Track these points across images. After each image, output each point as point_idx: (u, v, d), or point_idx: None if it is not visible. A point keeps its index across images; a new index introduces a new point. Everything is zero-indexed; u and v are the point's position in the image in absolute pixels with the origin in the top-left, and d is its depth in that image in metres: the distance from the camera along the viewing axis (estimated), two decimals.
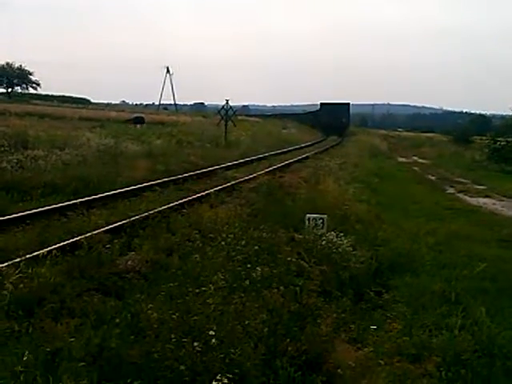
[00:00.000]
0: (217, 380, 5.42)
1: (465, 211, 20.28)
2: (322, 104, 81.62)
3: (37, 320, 7.08)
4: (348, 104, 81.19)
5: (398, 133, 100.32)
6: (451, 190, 27.19)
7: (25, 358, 5.61)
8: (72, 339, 6.19)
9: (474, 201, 23.72)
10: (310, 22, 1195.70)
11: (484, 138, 56.61)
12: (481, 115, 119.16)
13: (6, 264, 8.66)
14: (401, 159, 46.90)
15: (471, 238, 14.70)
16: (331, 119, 72.41)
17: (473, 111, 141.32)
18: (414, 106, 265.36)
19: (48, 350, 5.95)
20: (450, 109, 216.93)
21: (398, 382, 6.53)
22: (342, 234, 11.60)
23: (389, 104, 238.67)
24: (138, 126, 46.48)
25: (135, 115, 55.22)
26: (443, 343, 7.51)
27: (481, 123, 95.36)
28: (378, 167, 32.71)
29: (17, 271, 8.29)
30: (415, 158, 49.12)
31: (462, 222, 17.09)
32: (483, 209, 21.53)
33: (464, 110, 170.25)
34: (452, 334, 7.78)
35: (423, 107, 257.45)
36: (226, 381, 5.41)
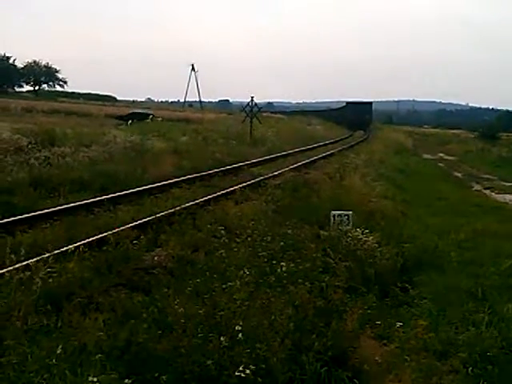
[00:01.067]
0: (239, 371, 5.48)
1: (491, 208, 20.14)
2: (347, 103, 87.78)
3: (65, 314, 7.16)
4: (371, 103, 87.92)
5: (423, 129, 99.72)
6: (477, 187, 27.04)
7: (57, 351, 5.70)
8: (100, 333, 6.26)
9: (500, 197, 23.57)
10: (335, 19, 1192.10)
11: (511, 134, 56.12)
12: (508, 111, 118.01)
13: (35, 259, 8.75)
14: (426, 156, 46.64)
15: (498, 235, 14.59)
16: (356, 116, 77.35)
17: (500, 108, 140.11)
18: (440, 103, 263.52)
19: (76, 343, 6.04)
20: (476, 105, 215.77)
21: (424, 379, 6.53)
22: (367, 231, 11.58)
23: (414, 100, 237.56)
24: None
25: (132, 111, 52.07)
26: (469, 340, 7.48)
27: (508, 120, 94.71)
28: (403, 164, 32.56)
29: (45, 266, 8.39)
30: (441, 154, 48.82)
31: (488, 219, 16.96)
32: (510, 205, 21.38)
33: (491, 107, 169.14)
34: (478, 331, 7.75)
35: (449, 104, 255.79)
36: (248, 371, 5.47)
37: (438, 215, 17.26)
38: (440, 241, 12.96)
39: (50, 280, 8.02)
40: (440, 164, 39.57)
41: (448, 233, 14.07)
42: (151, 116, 46.19)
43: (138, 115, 48.33)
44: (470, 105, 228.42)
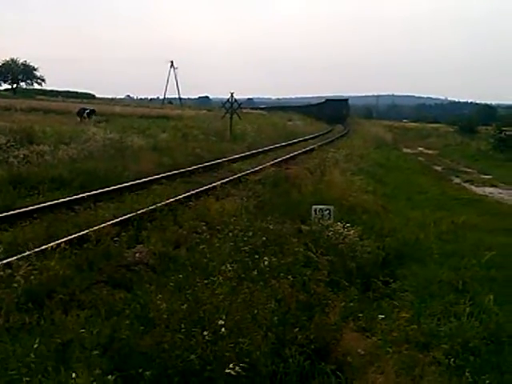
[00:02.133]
0: (229, 369, 5.48)
1: (471, 201, 20.31)
2: (326, 100, 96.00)
3: (47, 312, 7.13)
4: (347, 99, 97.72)
5: (403, 124, 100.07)
6: (457, 180, 27.23)
7: (35, 348, 5.67)
8: (82, 330, 6.23)
9: (479, 190, 23.76)
10: (314, 15, 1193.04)
11: (489, 127, 56.47)
12: (486, 105, 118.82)
13: (16, 258, 8.70)
14: (406, 150, 46.79)
15: (478, 228, 14.72)
16: (334, 111, 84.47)
17: (478, 101, 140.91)
18: (419, 97, 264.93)
19: (59, 341, 6.01)
20: (455, 99, 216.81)
21: (407, 370, 6.55)
22: (348, 225, 11.62)
23: (393, 95, 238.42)
24: (85, 117, 43.90)
25: (81, 107, 52.49)
26: (451, 331, 7.55)
27: (486, 113, 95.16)
28: (383, 158, 32.66)
29: (26, 264, 8.34)
30: (421, 148, 49.03)
31: (468, 212, 17.08)
32: (489, 198, 21.57)
33: (469, 101, 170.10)
34: (460, 322, 7.82)
35: (428, 98, 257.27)
36: (238, 369, 5.48)
37: (418, 209, 17.33)
38: (421, 234, 13.02)
39: (31, 278, 7.97)
40: (420, 158, 39.73)
41: (429, 226, 14.15)
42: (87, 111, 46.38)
43: (84, 110, 48.47)
44: (449, 99, 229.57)
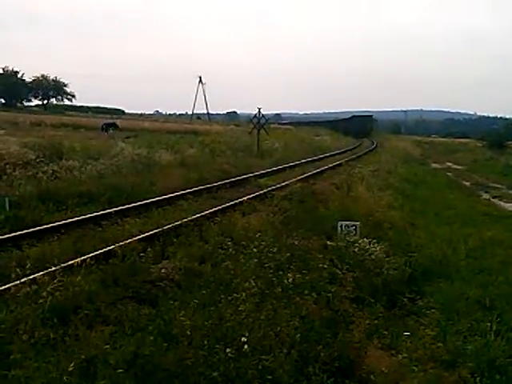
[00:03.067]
0: None
1: (500, 217, 20.05)
2: (353, 116, 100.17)
3: (72, 328, 7.16)
4: (371, 115, 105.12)
5: (431, 139, 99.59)
6: (486, 196, 26.92)
7: (63, 365, 5.71)
8: (107, 346, 6.26)
9: (509, 206, 23.48)
10: (342, 30, 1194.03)
11: None
12: None
13: (42, 273, 8.76)
14: (434, 165, 46.45)
15: (506, 244, 14.53)
16: (360, 127, 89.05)
17: (508, 116, 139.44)
18: (448, 112, 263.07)
19: (83, 357, 6.04)
20: (484, 114, 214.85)
21: None
22: (374, 241, 11.58)
23: (422, 110, 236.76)
24: (111, 131, 45.36)
25: (105, 121, 53.85)
26: (477, 349, 7.46)
27: None
28: (411, 173, 32.47)
29: (52, 280, 8.40)
30: (449, 163, 48.60)
31: (496, 228, 16.90)
32: None
33: (499, 116, 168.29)
34: (486, 340, 7.73)
35: (457, 113, 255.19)
36: None
37: (446, 224, 17.19)
38: (448, 250, 12.90)
39: (57, 293, 8.01)
40: (448, 173, 39.41)
41: (456, 242, 14.02)
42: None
43: (110, 124, 50.62)
44: (478, 114, 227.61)
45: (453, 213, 20.17)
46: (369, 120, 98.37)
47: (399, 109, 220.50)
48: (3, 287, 8.34)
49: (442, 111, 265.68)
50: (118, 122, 55.45)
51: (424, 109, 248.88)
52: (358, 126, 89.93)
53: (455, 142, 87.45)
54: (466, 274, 11.36)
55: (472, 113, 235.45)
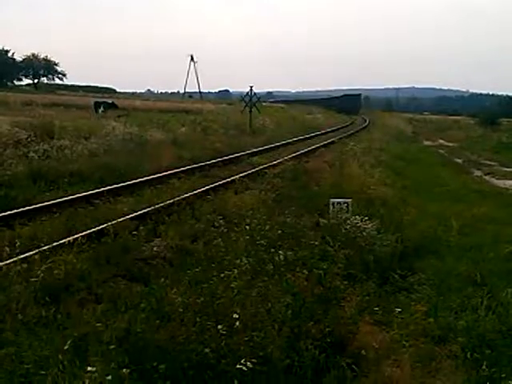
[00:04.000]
0: (241, 364, 5.47)
1: (491, 193, 20.08)
2: (344, 95, 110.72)
3: (64, 306, 7.19)
4: (360, 94, 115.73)
5: (423, 116, 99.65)
6: (478, 173, 26.98)
7: (55, 342, 5.73)
8: (99, 324, 6.27)
9: (500, 183, 23.54)
10: (335, 8, 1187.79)
11: (511, 119, 55.90)
12: (508, 97, 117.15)
13: (34, 252, 8.76)
14: (426, 142, 46.49)
15: (498, 221, 14.57)
16: (350, 105, 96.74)
17: (500, 93, 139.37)
18: (440, 89, 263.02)
19: (75, 334, 6.06)
20: (476, 91, 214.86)
21: (423, 364, 6.53)
22: (366, 218, 11.56)
23: (414, 87, 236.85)
24: (100, 111, 44.84)
25: (95, 101, 52.88)
26: (468, 324, 7.49)
27: (508, 105, 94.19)
28: (403, 151, 32.49)
29: (44, 259, 8.41)
30: (441, 141, 48.61)
31: (488, 205, 16.89)
32: (510, 191, 21.32)
33: (491, 93, 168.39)
34: (477, 316, 7.77)
35: (449, 90, 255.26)
36: (249, 364, 5.47)
37: (437, 201, 17.21)
38: (440, 227, 12.93)
39: (49, 272, 8.03)
40: (440, 150, 39.43)
41: (448, 219, 14.02)
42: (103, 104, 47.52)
43: (103, 104, 49.44)
44: (471, 91, 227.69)
45: (444, 190, 20.18)
46: (358, 98, 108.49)
47: (391, 86, 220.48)
48: None
49: (434, 88, 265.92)
50: (109, 100, 55.04)
51: (416, 86, 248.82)
52: (348, 103, 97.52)
53: (447, 119, 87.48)
54: (457, 251, 11.38)
55: (464, 90, 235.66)
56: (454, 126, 68.54)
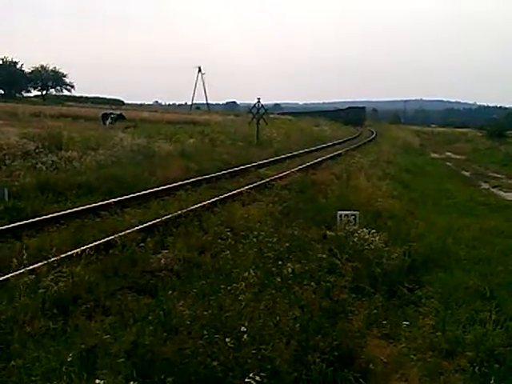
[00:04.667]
0: (249, 378, 5.45)
1: (499, 206, 20.02)
2: (348, 107, 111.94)
3: (72, 318, 7.19)
4: (364, 107, 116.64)
5: (431, 129, 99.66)
6: (485, 186, 26.90)
7: (63, 355, 5.73)
8: (106, 336, 6.27)
9: (508, 196, 23.46)
10: (341, 21, 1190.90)
11: None
12: None
13: (42, 264, 8.77)
14: (434, 155, 46.42)
15: (506, 234, 14.52)
16: (355, 117, 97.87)
17: (508, 106, 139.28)
18: (448, 101, 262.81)
19: (83, 347, 6.06)
20: (484, 104, 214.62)
21: (431, 378, 6.50)
22: (374, 231, 11.53)
23: (422, 100, 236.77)
24: (108, 122, 45.08)
25: (103, 112, 53.15)
26: (476, 338, 7.47)
27: None
28: (410, 163, 32.45)
29: (52, 270, 8.42)
30: (449, 153, 48.57)
31: (496, 218, 16.89)
32: None
33: (499, 105, 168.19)
34: (485, 330, 7.73)
35: (457, 102, 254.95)
36: (258, 378, 5.45)
37: (445, 214, 17.19)
38: (447, 240, 12.89)
39: (57, 284, 8.03)
40: (448, 163, 39.39)
41: (456, 232, 14.02)
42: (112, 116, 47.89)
43: (111, 115, 49.76)
44: (478, 103, 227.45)
45: (452, 202, 20.18)
46: (362, 111, 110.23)
47: (399, 99, 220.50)
48: (3, 278, 8.36)
49: (442, 101, 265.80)
50: (117, 111, 55.22)
51: (424, 98, 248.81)
52: (353, 116, 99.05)
53: (455, 131, 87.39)
54: (465, 264, 11.34)
55: (472, 102, 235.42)
56: (461, 139, 68.47)
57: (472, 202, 20.55)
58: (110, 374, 5.43)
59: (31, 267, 8.55)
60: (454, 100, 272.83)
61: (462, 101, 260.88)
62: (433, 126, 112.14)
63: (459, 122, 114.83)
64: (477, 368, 6.70)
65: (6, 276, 8.36)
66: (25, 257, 8.73)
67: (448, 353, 7.21)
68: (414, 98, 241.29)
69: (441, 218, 16.45)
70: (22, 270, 8.32)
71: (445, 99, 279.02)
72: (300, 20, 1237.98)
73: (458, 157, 45.30)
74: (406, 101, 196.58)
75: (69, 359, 5.69)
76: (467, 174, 32.56)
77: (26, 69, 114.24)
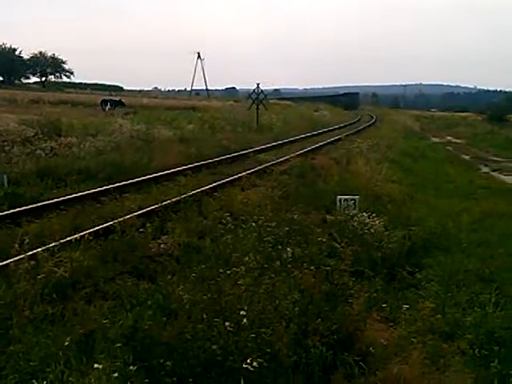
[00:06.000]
0: (247, 363, 5.44)
1: (499, 190, 20.04)
2: (344, 93, 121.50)
3: (71, 303, 7.18)
4: (358, 93, 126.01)
5: (431, 113, 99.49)
6: (485, 169, 26.89)
7: (62, 340, 5.72)
8: (105, 321, 6.27)
9: (508, 179, 23.45)
10: (342, 6, 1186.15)
11: None
12: None
13: (41, 249, 8.76)
14: (434, 139, 46.31)
15: (506, 217, 14.53)
16: (350, 101, 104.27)
17: (508, 89, 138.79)
18: (448, 86, 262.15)
19: (82, 331, 6.05)
20: (484, 87, 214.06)
21: (431, 360, 6.50)
22: (374, 215, 11.54)
23: (421, 84, 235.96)
24: (107, 109, 45.21)
25: (108, 98, 53.30)
26: (476, 321, 7.48)
27: None
28: (410, 148, 32.42)
29: (51, 256, 8.40)
30: (449, 137, 48.44)
31: (496, 201, 16.87)
32: None
33: (499, 89, 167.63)
34: (485, 312, 7.75)
35: (457, 86, 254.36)
36: (255, 364, 5.44)
37: (445, 198, 17.19)
38: (448, 223, 12.87)
39: (56, 269, 8.02)
40: (448, 147, 39.31)
41: (456, 215, 14.01)
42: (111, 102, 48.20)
43: (110, 102, 49.88)
44: (478, 87, 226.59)
45: (452, 186, 20.18)
46: (356, 96, 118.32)
47: (398, 83, 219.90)
48: (2, 263, 8.35)
49: (442, 85, 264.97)
50: (117, 98, 55.14)
51: (423, 83, 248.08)
52: (349, 100, 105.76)
53: (455, 115, 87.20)
54: (465, 247, 11.33)
55: (472, 86, 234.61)
56: (461, 123, 68.25)
57: (472, 186, 20.54)
58: (109, 359, 5.42)
59: (30, 253, 8.52)
60: (453, 84, 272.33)
61: (461, 85, 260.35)
62: (433, 110, 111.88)
63: (459, 107, 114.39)
64: (477, 350, 6.70)
65: (6, 262, 8.34)
66: (26, 242, 8.71)
67: (448, 335, 7.21)
68: (413, 83, 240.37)
69: (441, 201, 16.46)
70: (22, 256, 8.30)
71: (444, 83, 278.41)
72: (299, 5, 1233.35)
73: (458, 141, 45.20)
74: (405, 85, 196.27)
75: (67, 344, 5.68)
76: (467, 157, 32.52)
77: (25, 55, 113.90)
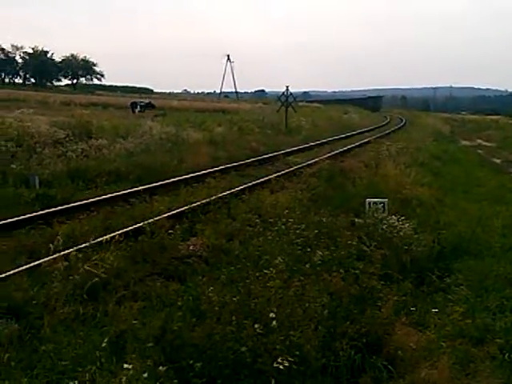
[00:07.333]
0: (278, 363, 5.47)
1: None
2: (369, 97, 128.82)
3: (101, 304, 7.26)
4: (381, 96, 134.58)
5: (461, 116, 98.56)
6: None
7: (93, 340, 5.80)
8: (135, 322, 6.33)
9: None
10: (371, 10, 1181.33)
11: None
12: None
13: (72, 250, 8.85)
14: (464, 142, 45.89)
15: None
16: (374, 104, 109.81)
17: None
18: (478, 89, 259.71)
19: (113, 332, 6.12)
20: None
21: (461, 365, 6.47)
22: (403, 218, 11.48)
23: (451, 87, 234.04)
24: (137, 111, 45.54)
25: (132, 100, 53.70)
26: (507, 326, 7.43)
27: None
28: (440, 151, 32.10)
29: (82, 257, 8.49)
30: (479, 140, 47.94)
31: None
32: None
33: None
34: None
35: (487, 89, 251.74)
36: (286, 363, 5.46)
37: (475, 202, 17.03)
38: (477, 228, 12.76)
39: (89, 268, 8.11)
40: (478, 150, 38.94)
41: (486, 220, 13.88)
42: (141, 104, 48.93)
43: (140, 104, 50.64)
44: (510, 90, 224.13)
45: (482, 190, 19.96)
46: (379, 99, 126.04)
47: (429, 86, 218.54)
48: (34, 263, 8.46)
49: (472, 88, 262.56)
50: (146, 100, 55.54)
51: (453, 86, 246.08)
52: (373, 103, 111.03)
53: (486, 118, 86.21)
54: (495, 252, 11.23)
55: (503, 89, 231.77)
56: (492, 126, 67.45)
57: (503, 190, 20.26)
58: (139, 359, 5.48)
59: (62, 253, 8.63)
60: (484, 87, 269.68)
61: (492, 88, 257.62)
62: (463, 113, 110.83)
63: (490, 109, 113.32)
64: (507, 355, 6.66)
65: (38, 262, 8.46)
66: (57, 243, 8.82)
67: (478, 340, 7.16)
68: (443, 85, 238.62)
69: (471, 205, 16.30)
70: (54, 256, 8.41)
71: (475, 86, 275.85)
72: (327, 7, 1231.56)
73: (488, 144, 44.71)
74: (435, 88, 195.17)
75: (99, 344, 5.75)
76: (498, 161, 32.17)
77: (57, 58, 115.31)
